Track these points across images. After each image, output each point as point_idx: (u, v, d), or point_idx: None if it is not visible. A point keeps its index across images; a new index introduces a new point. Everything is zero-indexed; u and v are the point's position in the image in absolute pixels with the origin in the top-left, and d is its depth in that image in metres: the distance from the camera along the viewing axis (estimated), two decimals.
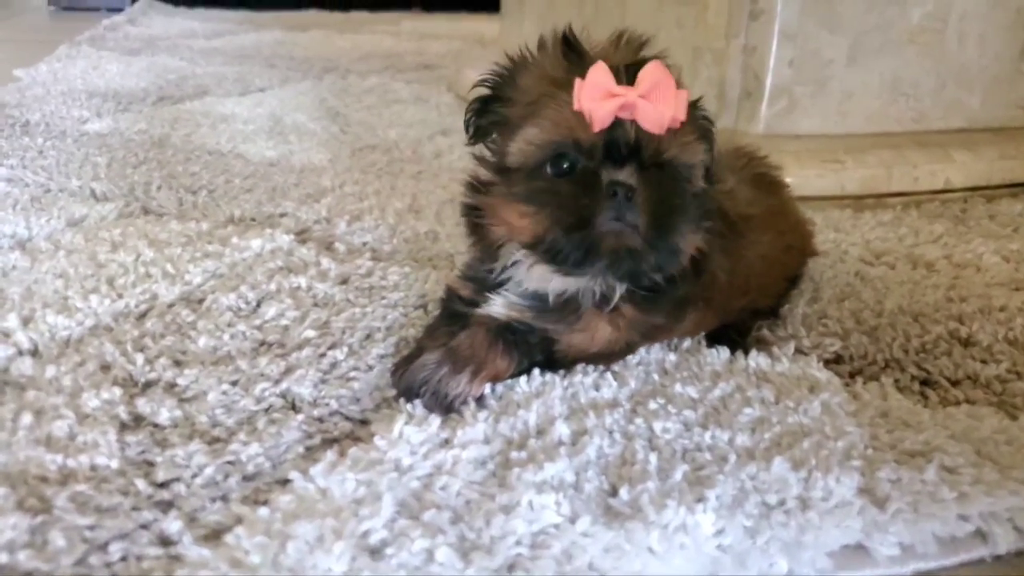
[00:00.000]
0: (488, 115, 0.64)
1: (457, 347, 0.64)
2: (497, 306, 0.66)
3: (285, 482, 0.53)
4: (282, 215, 1.01)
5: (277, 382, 0.64)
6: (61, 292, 0.76)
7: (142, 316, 0.74)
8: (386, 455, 0.55)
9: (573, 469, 0.55)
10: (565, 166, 0.59)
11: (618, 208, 0.58)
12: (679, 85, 0.60)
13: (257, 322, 0.73)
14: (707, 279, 0.68)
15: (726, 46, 1.20)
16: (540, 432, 0.59)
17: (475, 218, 0.64)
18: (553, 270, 0.61)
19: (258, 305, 0.76)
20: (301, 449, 0.58)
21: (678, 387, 0.64)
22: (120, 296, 0.76)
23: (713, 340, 0.74)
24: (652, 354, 0.70)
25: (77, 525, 0.48)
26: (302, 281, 0.80)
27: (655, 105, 0.58)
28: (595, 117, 0.58)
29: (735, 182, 0.77)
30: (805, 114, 1.22)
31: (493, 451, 0.57)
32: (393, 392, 0.64)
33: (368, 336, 0.71)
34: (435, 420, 0.59)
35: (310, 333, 0.70)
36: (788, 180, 0.89)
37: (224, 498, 0.53)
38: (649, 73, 0.58)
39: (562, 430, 0.58)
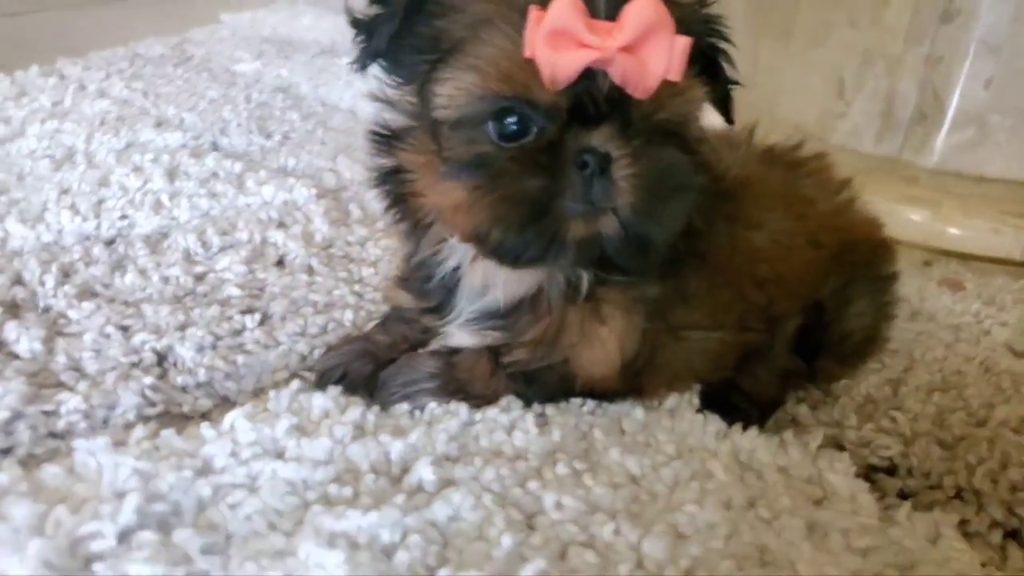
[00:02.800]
0: (410, 27, 0.45)
1: (456, 365, 0.52)
2: (458, 337, 0.52)
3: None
4: (332, 170, 0.94)
5: (162, 336, 0.55)
6: (47, 204, 0.73)
7: (108, 242, 0.69)
8: (200, 449, 0.45)
9: (399, 528, 0.41)
10: (515, 127, 0.43)
11: (588, 185, 0.42)
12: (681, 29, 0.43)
13: (199, 270, 0.65)
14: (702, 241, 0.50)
15: (903, 53, 0.96)
16: (398, 469, 0.45)
17: (393, 186, 0.50)
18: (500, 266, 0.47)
19: (218, 252, 0.68)
20: (131, 417, 0.49)
21: (614, 454, 0.48)
22: (96, 217, 0.72)
23: (710, 401, 0.56)
24: (611, 405, 0.53)
25: None
26: (279, 237, 0.71)
27: (643, 61, 0.42)
28: (555, 74, 0.42)
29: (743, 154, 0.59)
30: (999, 151, 0.95)
31: (322, 477, 0.44)
32: (282, 377, 0.54)
33: (297, 309, 0.61)
34: (286, 421, 0.47)
35: (234, 291, 0.61)
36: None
37: (7, 450, 0.45)
38: (637, 11, 0.42)
39: (423, 474, 0.45)
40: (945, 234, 0.89)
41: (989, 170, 0.95)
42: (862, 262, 0.62)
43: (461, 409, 0.50)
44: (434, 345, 0.54)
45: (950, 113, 0.94)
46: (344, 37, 0.44)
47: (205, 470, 0.44)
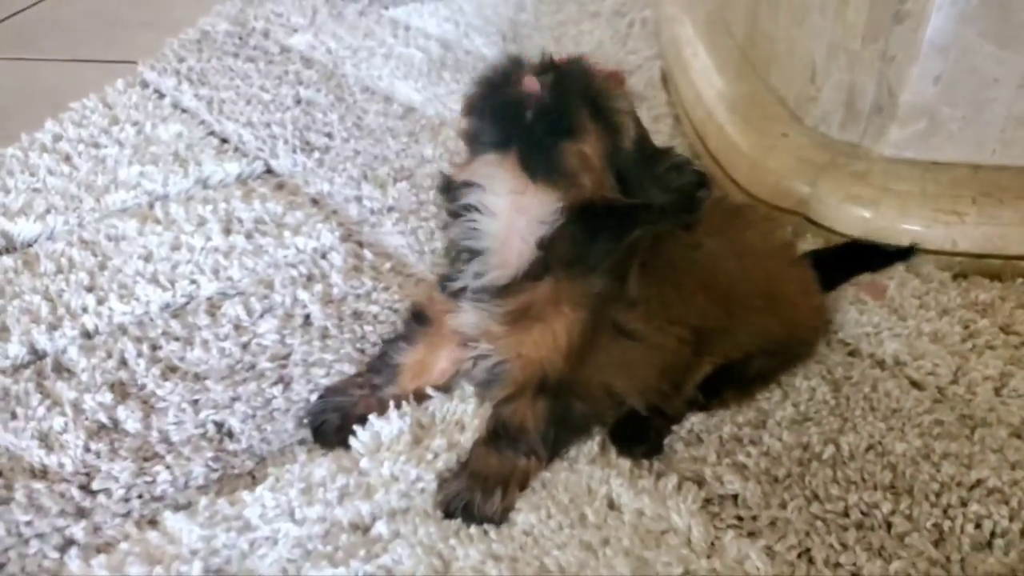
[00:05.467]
0: None
1: (475, 471, 0.69)
2: (464, 315, 0.70)
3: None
4: (357, 198, 1.13)
5: (219, 410, 0.80)
6: (136, 275, 0.97)
7: (181, 308, 0.94)
8: (242, 511, 0.70)
9: (360, 574, 0.65)
10: None
11: (538, 72, 0.61)
12: None
13: (245, 339, 0.88)
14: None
15: (862, 49, 1.03)
16: (368, 521, 0.69)
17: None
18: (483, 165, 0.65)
19: (261, 316, 0.91)
20: (201, 480, 0.74)
21: (519, 513, 0.69)
22: (172, 286, 0.96)
23: (623, 434, 0.75)
24: None
25: (16, 519, 0.70)
26: (306, 297, 0.93)
27: None
28: None
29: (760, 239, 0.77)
30: (951, 139, 1.02)
31: (318, 531, 0.68)
32: (296, 439, 0.78)
33: (309, 370, 0.84)
34: (296, 488, 0.71)
35: (267, 365, 0.84)
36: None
37: (126, 514, 0.71)
38: None
39: (381, 529, 0.68)
40: (885, 230, 1.00)
41: (940, 156, 1.03)
42: (791, 329, 0.79)
43: (414, 472, 0.72)
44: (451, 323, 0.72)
45: (900, 108, 1.01)
46: None
47: (244, 528, 0.68)
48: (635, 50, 1.58)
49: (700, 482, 0.73)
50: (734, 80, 1.28)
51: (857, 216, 1.01)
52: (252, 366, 0.84)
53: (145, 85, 1.47)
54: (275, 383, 0.82)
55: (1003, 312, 0.91)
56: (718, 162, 1.17)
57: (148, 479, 0.73)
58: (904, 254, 0.90)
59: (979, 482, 0.71)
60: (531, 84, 0.60)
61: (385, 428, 0.76)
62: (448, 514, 0.69)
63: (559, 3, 1.82)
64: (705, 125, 1.23)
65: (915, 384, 0.83)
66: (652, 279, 0.68)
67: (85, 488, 0.72)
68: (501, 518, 0.69)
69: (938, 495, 0.70)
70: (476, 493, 0.69)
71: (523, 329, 0.68)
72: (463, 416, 0.76)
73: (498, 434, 0.71)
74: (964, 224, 0.97)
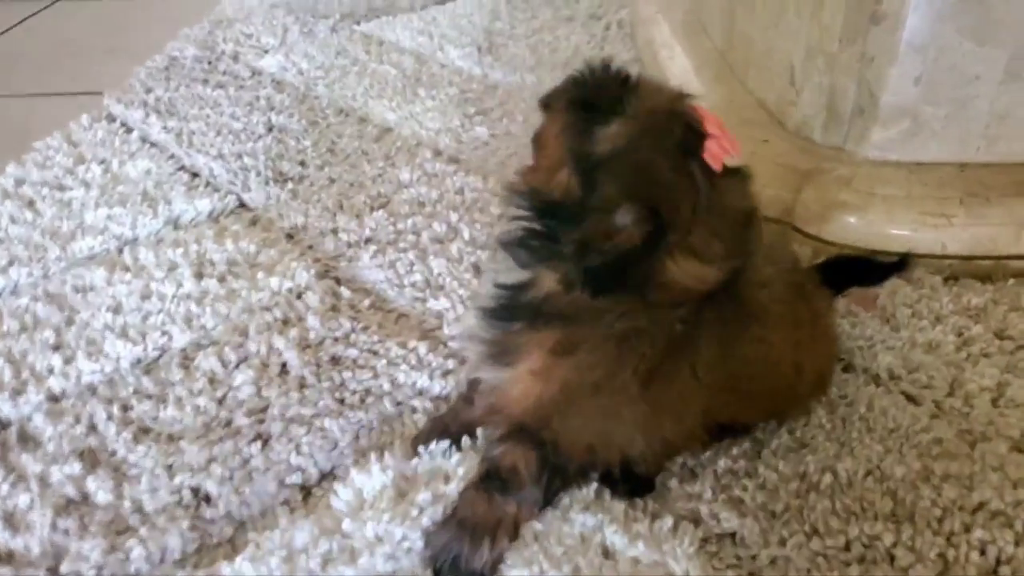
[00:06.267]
0: None
1: (463, 519, 0.66)
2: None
3: None
4: (333, 230, 1.10)
5: (195, 474, 0.77)
6: (104, 329, 0.94)
7: (153, 362, 0.91)
8: None
9: None
10: None
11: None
12: None
13: (220, 393, 0.85)
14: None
15: (839, 51, 1.00)
16: None
17: None
18: None
19: (236, 367, 0.88)
20: (177, 554, 0.71)
21: (511, 568, 0.66)
22: (143, 338, 0.93)
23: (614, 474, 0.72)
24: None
25: None
26: (281, 344, 0.90)
27: None
28: None
29: (773, 274, 0.66)
30: (935, 138, 1.00)
31: None
32: (280, 500, 0.75)
33: (288, 427, 0.81)
34: (276, 557, 0.68)
35: (243, 421, 0.82)
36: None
37: None
38: None
39: None
40: (874, 236, 0.97)
41: (924, 156, 1.01)
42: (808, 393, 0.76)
43: (399, 531, 0.69)
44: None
45: (881, 109, 0.99)
46: None
47: None
48: (613, 54, 1.55)
49: (696, 521, 0.70)
50: (712, 83, 1.25)
51: (844, 223, 0.98)
52: (228, 422, 0.82)
53: (112, 119, 1.44)
54: (253, 440, 0.79)
55: (996, 316, 0.88)
56: None
57: (121, 556, 0.70)
58: (898, 266, 0.88)
59: (982, 505, 0.69)
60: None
61: (367, 484, 0.73)
62: (436, 572, 0.66)
63: (533, 9, 1.79)
64: None
65: (911, 399, 0.81)
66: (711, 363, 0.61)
67: (54, 571, 0.69)
68: (491, 573, 0.66)
69: (940, 521, 0.68)
70: (464, 544, 0.66)
71: (503, 365, 0.64)
72: (448, 467, 0.73)
73: (489, 476, 0.68)
74: (952, 226, 0.95)
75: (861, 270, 0.90)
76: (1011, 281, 0.93)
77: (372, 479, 0.73)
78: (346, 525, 0.70)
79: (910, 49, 0.94)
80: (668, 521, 0.69)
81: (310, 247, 1.08)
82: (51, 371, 0.89)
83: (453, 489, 0.72)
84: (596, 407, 0.60)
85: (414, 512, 0.71)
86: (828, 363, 0.78)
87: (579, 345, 0.58)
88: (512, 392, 0.62)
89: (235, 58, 1.64)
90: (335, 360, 0.88)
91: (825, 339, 0.77)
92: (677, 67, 1.35)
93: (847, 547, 0.67)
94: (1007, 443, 0.75)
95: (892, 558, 0.66)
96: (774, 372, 0.68)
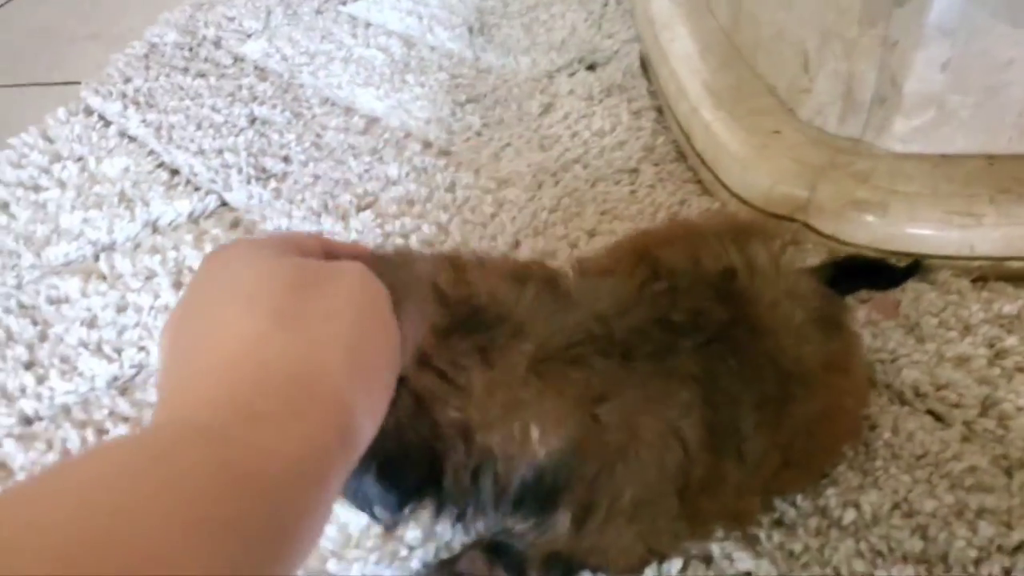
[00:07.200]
0: None
1: (460, 574, 0.62)
2: None
3: None
4: (317, 233, 1.04)
5: None
6: (79, 345, 0.89)
7: (129, 380, 0.85)
8: None
9: None
10: None
11: None
12: None
13: None
14: None
15: (859, 35, 0.93)
16: None
17: None
18: None
19: None
20: None
21: None
22: (119, 355, 0.87)
23: None
24: None
25: None
26: None
27: None
28: None
29: (804, 319, 0.58)
30: (961, 128, 0.93)
31: None
32: None
33: None
34: None
35: None
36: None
37: None
38: None
39: None
40: (895, 237, 0.90)
41: (950, 148, 0.94)
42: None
43: (387, 574, 0.64)
44: None
45: (905, 98, 0.91)
46: None
47: None
48: (611, 33, 1.48)
49: (708, 560, 0.65)
50: (718, 68, 1.17)
51: (862, 222, 0.92)
52: None
53: (89, 112, 1.37)
54: None
55: None
56: (706, 163, 1.08)
57: None
58: (910, 271, 0.80)
59: (1022, 544, 0.63)
60: None
61: (353, 520, 0.68)
62: None
63: None
64: (690, 121, 1.13)
65: (939, 419, 0.75)
66: None
67: None
68: None
69: (977, 564, 0.62)
70: None
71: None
72: None
73: (499, 548, 0.62)
74: (982, 226, 0.88)
75: (871, 273, 0.83)
76: None
77: (359, 515, 0.68)
78: (331, 566, 0.65)
79: (938, 32, 0.86)
80: (677, 563, 0.64)
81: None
82: (23, 391, 0.84)
83: (444, 528, 0.67)
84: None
85: (403, 552, 0.66)
86: (864, 401, 0.72)
87: None
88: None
89: (217, 43, 1.57)
90: None
91: (861, 381, 0.71)
92: (680, 50, 1.27)
93: None
94: None
95: None
96: (828, 427, 0.62)
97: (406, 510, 0.47)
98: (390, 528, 0.62)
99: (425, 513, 0.51)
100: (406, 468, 0.45)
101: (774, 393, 0.54)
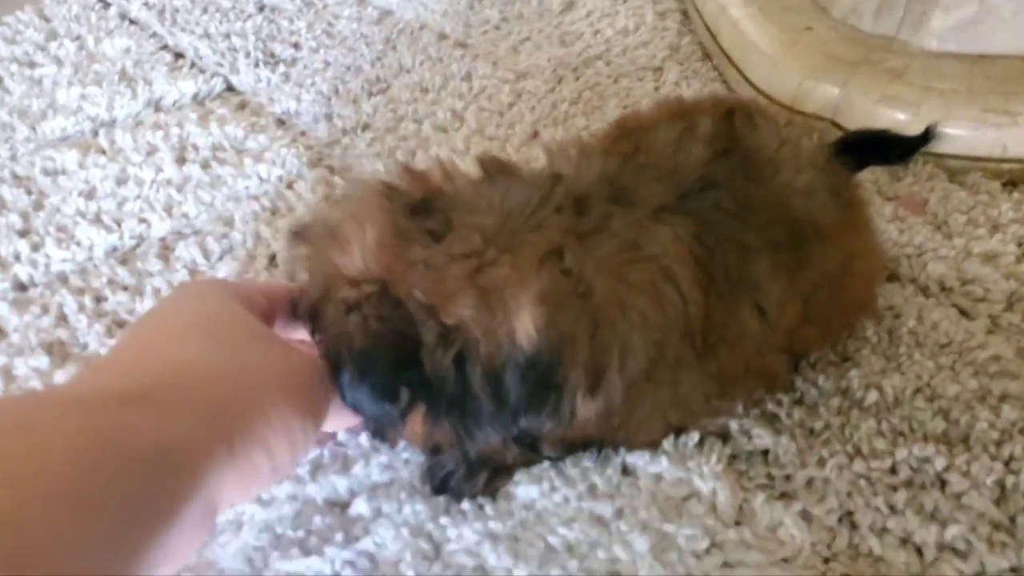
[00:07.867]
0: None
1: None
2: None
3: None
4: (327, 115, 1.00)
5: None
6: (76, 215, 0.86)
7: (129, 251, 0.83)
8: None
9: (339, 560, 0.56)
10: None
11: None
12: None
13: None
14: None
15: None
16: (346, 499, 0.60)
17: None
18: None
19: (220, 258, 0.80)
20: None
21: (518, 487, 0.59)
22: (119, 225, 0.84)
23: None
24: None
25: None
26: (268, 233, 0.82)
27: None
28: None
29: (812, 177, 0.58)
30: (1003, 26, 0.89)
31: (288, 512, 0.59)
32: None
33: None
34: None
35: None
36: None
37: None
38: None
39: (361, 509, 0.59)
40: None
41: (991, 47, 0.90)
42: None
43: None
44: None
45: None
46: None
47: None
48: None
49: (725, 437, 0.64)
50: None
51: (893, 120, 0.88)
52: None
53: None
54: None
55: None
56: (733, 62, 1.04)
57: None
58: (923, 140, 0.76)
59: None
60: None
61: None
62: (434, 487, 0.60)
63: None
64: (717, 19, 1.09)
65: (964, 313, 0.73)
66: None
67: None
68: (491, 495, 0.59)
69: (998, 445, 0.61)
70: (461, 468, 0.59)
71: None
72: None
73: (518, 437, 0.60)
74: (1017, 125, 0.85)
75: (882, 146, 0.80)
76: None
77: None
78: (340, 434, 0.63)
79: None
80: (694, 436, 0.62)
81: (302, 133, 0.99)
82: (17, 258, 0.81)
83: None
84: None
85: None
86: (878, 273, 0.70)
87: None
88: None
89: None
90: None
91: (872, 247, 0.68)
92: None
93: (893, 470, 0.60)
94: None
95: (943, 483, 0.59)
96: (844, 286, 0.60)
97: (396, 409, 0.45)
98: (389, 439, 0.59)
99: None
100: (379, 353, 0.43)
101: (784, 240, 0.53)
